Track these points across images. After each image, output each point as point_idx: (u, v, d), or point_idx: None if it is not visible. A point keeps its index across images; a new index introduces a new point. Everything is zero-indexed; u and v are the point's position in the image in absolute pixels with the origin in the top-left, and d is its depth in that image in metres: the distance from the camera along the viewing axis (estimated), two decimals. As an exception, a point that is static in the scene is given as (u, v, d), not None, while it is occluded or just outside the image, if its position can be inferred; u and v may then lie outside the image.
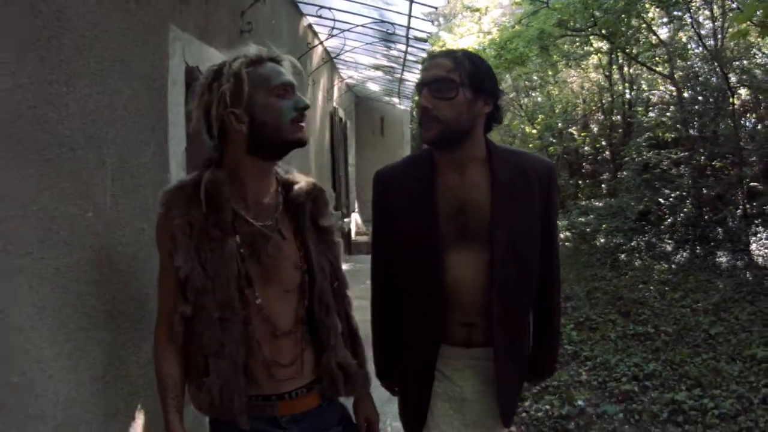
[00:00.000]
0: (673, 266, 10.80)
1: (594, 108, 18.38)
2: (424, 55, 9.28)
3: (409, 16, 6.85)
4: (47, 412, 1.95)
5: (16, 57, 1.85)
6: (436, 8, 7.73)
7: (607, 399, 5.84)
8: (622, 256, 11.63)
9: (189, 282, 1.92)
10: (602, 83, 17.29)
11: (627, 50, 13.54)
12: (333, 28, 7.13)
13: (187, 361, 1.99)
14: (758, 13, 6.94)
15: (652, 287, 9.72)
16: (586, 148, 18.28)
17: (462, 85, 2.16)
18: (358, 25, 7.38)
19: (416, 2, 6.11)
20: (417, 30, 7.74)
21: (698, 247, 11.36)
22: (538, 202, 2.31)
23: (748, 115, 13.24)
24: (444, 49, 3.04)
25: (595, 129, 18.27)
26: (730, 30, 11.34)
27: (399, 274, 2.44)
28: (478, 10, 18.05)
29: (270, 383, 2.02)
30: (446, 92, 2.16)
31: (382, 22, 7.30)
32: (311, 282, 2.07)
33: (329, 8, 6.64)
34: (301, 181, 2.14)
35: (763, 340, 6.94)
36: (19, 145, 1.87)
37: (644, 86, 16.45)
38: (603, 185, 16.91)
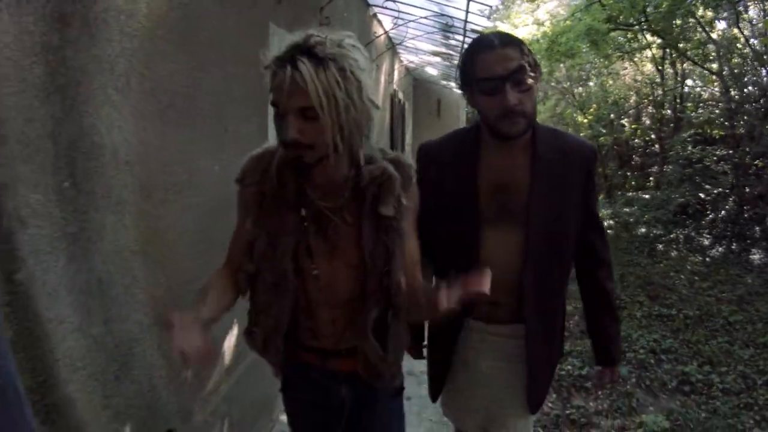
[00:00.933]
0: (707, 259, 11.16)
1: (647, 101, 18.44)
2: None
3: (467, 11, 7.42)
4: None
5: (176, 49, 2.66)
6: (491, 6, 8.19)
7: (623, 365, 6.34)
8: (660, 246, 11.97)
9: (255, 246, 2.02)
10: (654, 77, 17.38)
11: (679, 46, 13.72)
12: (397, 18, 7.81)
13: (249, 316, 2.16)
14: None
15: (683, 276, 10.09)
16: (636, 140, 18.27)
17: (533, 71, 2.14)
18: (419, 18, 8.03)
19: (473, 1, 6.67)
20: (474, 24, 8.34)
21: (734, 244, 11.68)
22: (578, 184, 2.30)
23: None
24: (487, 35, 2.22)
25: (647, 122, 18.32)
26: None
27: (435, 246, 2.40)
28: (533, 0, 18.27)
29: (322, 340, 2.14)
30: (526, 82, 2.11)
31: (442, 15, 7.92)
32: (363, 264, 2.05)
33: (394, 0, 7.29)
34: (373, 165, 2.05)
35: None
36: (176, 113, 2.69)
37: (697, 81, 16.55)
38: (651, 178, 17.01)
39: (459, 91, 17.62)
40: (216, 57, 3.11)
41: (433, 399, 2.62)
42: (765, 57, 11.71)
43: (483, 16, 8.25)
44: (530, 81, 2.09)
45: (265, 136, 3.94)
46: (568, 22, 14.37)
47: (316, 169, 1.91)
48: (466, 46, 10.36)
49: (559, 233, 2.27)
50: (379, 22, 8.77)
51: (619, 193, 16.63)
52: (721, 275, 10.03)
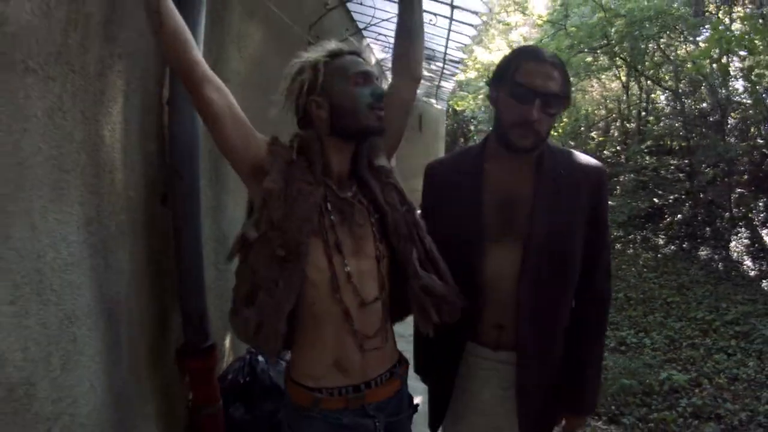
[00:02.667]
0: (658, 256, 12.49)
1: (614, 114, 19.80)
2: (457, 70, 11.31)
3: (446, 45, 8.86)
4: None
5: (255, 90, 3.81)
6: (466, 44, 9.50)
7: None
8: (618, 245, 13.26)
9: (266, 209, 1.91)
10: (621, 93, 18.68)
11: (637, 67, 15.07)
12: (386, 47, 9.28)
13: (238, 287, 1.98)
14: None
15: (634, 269, 11.48)
16: (605, 152, 18.97)
17: (563, 103, 2.18)
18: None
19: (452, 39, 8.09)
20: (450, 55, 9.78)
21: (686, 243, 12.94)
22: (585, 204, 2.23)
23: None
24: (543, 51, 2.22)
25: (615, 134, 19.51)
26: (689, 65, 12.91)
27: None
28: (508, 24, 19.70)
29: (358, 369, 2.05)
30: (555, 108, 2.15)
31: (425, 47, 9.38)
32: (383, 217, 2.08)
33: (384, 35, 8.73)
34: (376, 167, 2.19)
35: (708, 308, 8.79)
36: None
37: (659, 96, 17.90)
38: (618, 187, 18.32)
39: (439, 107, 18.96)
40: (256, 80, 4.13)
41: (433, 430, 2.53)
42: (716, 79, 12.78)
43: (459, 49, 9.66)
44: (560, 109, 2.18)
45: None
46: None
47: (336, 154, 2.09)
48: (445, 71, 11.83)
49: (562, 252, 2.21)
50: (371, 49, 10.22)
51: None
52: (669, 268, 11.37)
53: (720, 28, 8.79)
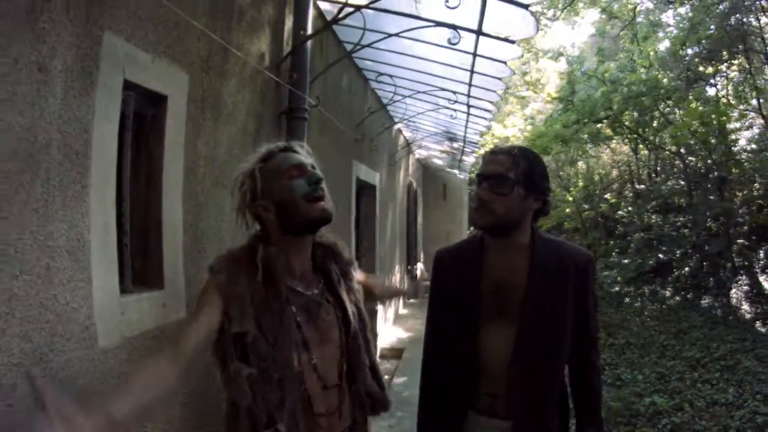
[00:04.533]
0: (663, 306, 13.64)
1: (626, 177, 21.04)
2: (476, 147, 12.97)
3: (465, 129, 10.40)
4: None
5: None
6: (485, 127, 10.87)
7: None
8: (627, 299, 14.56)
9: (252, 348, 1.94)
10: (631, 157, 20.09)
11: (640, 133, 16.52)
12: (415, 131, 10.93)
13: (249, 418, 1.93)
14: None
15: (638, 319, 12.64)
16: (620, 212, 19.94)
17: (517, 183, 2.24)
18: (433, 134, 11.18)
19: (470, 123, 9.62)
20: (470, 136, 11.35)
21: (690, 293, 14.07)
22: (573, 289, 2.36)
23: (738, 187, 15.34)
24: (504, 145, 3.42)
25: (629, 195, 20.56)
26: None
27: (441, 343, 2.54)
28: (524, 97, 21.44)
29: None
30: (502, 188, 2.25)
31: (448, 131, 10.98)
32: (347, 327, 2.19)
33: (413, 122, 10.34)
34: (317, 245, 2.26)
35: (700, 348, 9.96)
36: None
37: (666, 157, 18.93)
38: (632, 245, 18.63)
39: (462, 177, 20.17)
40: (329, 181, 5.61)
41: None
42: (712, 140, 13.98)
43: (476, 133, 11.25)
44: (509, 190, 2.24)
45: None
46: (542, 128, 17.15)
47: (296, 256, 2.14)
48: (466, 148, 13.38)
49: (551, 332, 2.32)
50: (401, 133, 11.82)
51: (603, 259, 18.47)
52: (671, 316, 12.50)
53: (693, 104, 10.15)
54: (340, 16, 3.94)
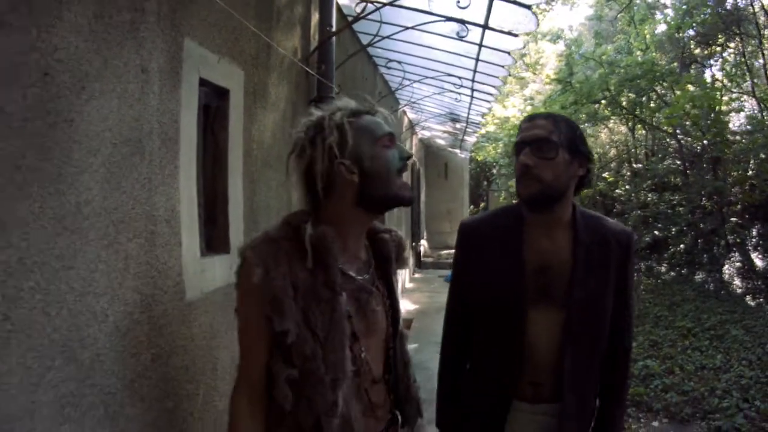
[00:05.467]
0: (658, 281, 14.20)
1: (623, 156, 21.39)
2: (478, 127, 13.42)
3: (469, 110, 10.83)
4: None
5: None
6: (486, 110, 11.32)
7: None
8: None
9: (296, 347, 1.75)
10: (628, 136, 20.49)
11: (637, 114, 16.82)
12: (419, 112, 11.36)
13: (294, 422, 1.78)
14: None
15: (633, 292, 13.02)
16: (618, 190, 20.04)
17: (561, 146, 2.14)
18: (437, 115, 11.60)
19: (473, 109, 10.07)
20: (472, 117, 11.79)
21: (685, 269, 14.63)
22: (615, 268, 2.25)
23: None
24: (537, 112, 3.06)
25: (627, 174, 20.70)
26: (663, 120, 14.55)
27: (478, 327, 2.41)
28: (523, 78, 21.88)
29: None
30: (547, 152, 2.14)
31: (451, 112, 11.41)
32: (395, 327, 2.02)
33: (419, 104, 10.76)
34: (384, 230, 2.09)
35: (692, 319, 10.47)
36: None
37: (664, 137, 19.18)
38: (629, 223, 19.68)
39: (463, 156, 20.61)
40: None
41: None
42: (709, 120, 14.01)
43: (479, 114, 11.68)
44: (554, 153, 2.13)
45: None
46: (541, 109, 17.46)
47: (356, 232, 1.94)
48: (468, 129, 13.82)
49: (597, 316, 2.23)
50: (405, 114, 12.26)
51: None
52: (665, 290, 13.05)
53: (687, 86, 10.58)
54: (363, 13, 4.38)
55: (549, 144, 2.15)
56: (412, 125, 13.50)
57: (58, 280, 1.70)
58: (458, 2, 4.33)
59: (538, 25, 5.85)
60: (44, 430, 1.62)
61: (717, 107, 12.83)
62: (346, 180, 1.83)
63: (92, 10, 1.87)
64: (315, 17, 4.72)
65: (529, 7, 4.70)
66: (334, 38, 4.65)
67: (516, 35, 5.42)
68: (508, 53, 6.35)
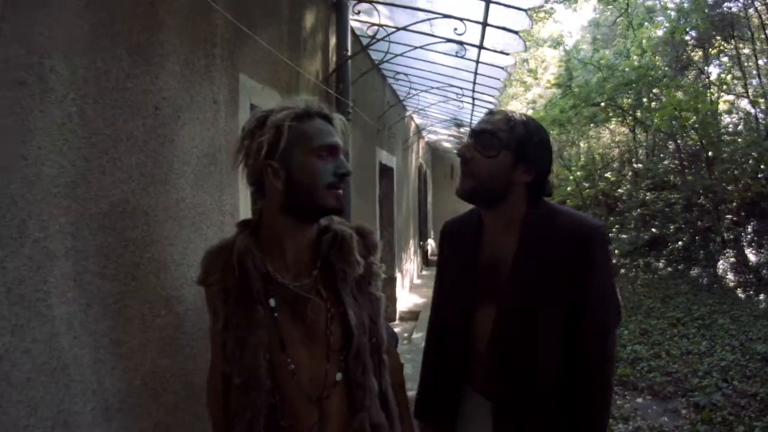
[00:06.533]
0: (655, 276, 14.76)
1: (625, 157, 22.05)
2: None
3: (471, 117, 11.54)
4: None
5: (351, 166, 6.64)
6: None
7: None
8: (622, 270, 15.64)
9: (224, 349, 1.85)
10: (629, 136, 21.14)
11: (635, 116, 17.54)
12: (425, 118, 12.12)
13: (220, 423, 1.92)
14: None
15: (630, 287, 13.72)
16: (620, 189, 20.99)
17: (505, 148, 2.05)
18: (441, 120, 12.37)
19: (476, 107, 10.77)
20: (476, 119, 12.49)
21: (681, 265, 15.14)
22: (569, 265, 2.02)
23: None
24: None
25: (628, 174, 21.54)
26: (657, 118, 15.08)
27: (443, 317, 2.45)
28: (525, 83, 22.61)
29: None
30: (488, 149, 2.06)
31: (455, 118, 12.15)
32: (348, 338, 1.88)
33: (425, 111, 11.50)
34: (330, 231, 1.94)
35: (683, 310, 11.11)
36: (357, 193, 6.71)
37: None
38: (631, 222, 19.51)
39: None
40: (357, 165, 6.89)
41: None
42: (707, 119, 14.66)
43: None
44: (494, 151, 2.05)
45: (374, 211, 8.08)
46: (541, 113, 18.27)
47: (287, 245, 1.87)
48: (471, 133, 14.50)
49: (534, 314, 2.07)
50: (413, 119, 13.00)
51: None
52: (661, 285, 13.64)
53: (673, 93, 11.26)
54: (375, 37, 5.14)
55: (492, 141, 2.08)
56: (419, 130, 14.25)
57: (165, 253, 2.45)
58: (455, 29, 5.09)
59: (526, 48, 6.54)
60: (152, 358, 2.34)
61: (707, 110, 13.46)
62: (272, 184, 1.81)
63: (182, 59, 2.63)
64: (332, 41, 5.45)
65: (516, 32, 5.45)
66: (349, 60, 5.38)
67: (507, 54, 6.19)
68: (502, 68, 7.12)
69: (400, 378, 2.24)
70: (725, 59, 17.98)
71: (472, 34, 5.63)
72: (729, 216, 15.41)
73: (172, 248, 2.49)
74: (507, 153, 2.08)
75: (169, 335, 2.45)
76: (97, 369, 2.01)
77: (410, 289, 12.70)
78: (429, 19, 5.42)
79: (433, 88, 8.75)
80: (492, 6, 5.24)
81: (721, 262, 14.39)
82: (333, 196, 1.82)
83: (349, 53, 5.36)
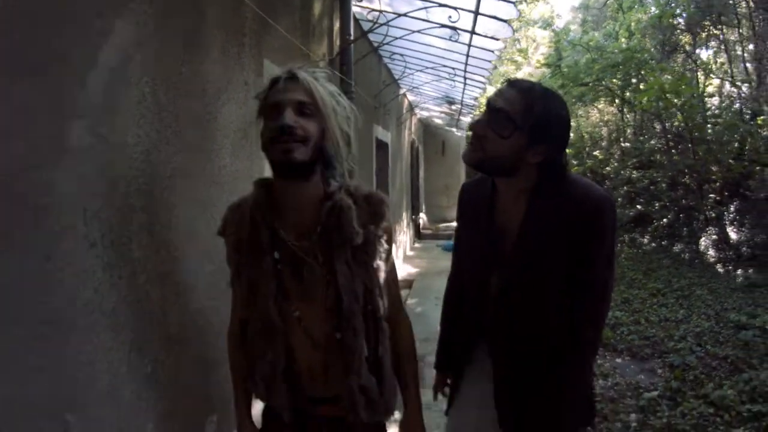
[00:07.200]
0: (639, 251, 15.26)
1: (613, 136, 22.46)
2: (473, 108, 14.59)
3: (462, 95, 11.97)
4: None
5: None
6: (478, 95, 12.52)
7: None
8: None
9: (239, 295, 2.03)
10: (617, 115, 21.53)
11: (623, 96, 18.03)
12: (418, 96, 12.57)
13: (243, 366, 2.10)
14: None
15: (606, 269, 14.13)
16: (608, 168, 21.25)
17: (519, 129, 2.01)
18: (434, 98, 12.82)
19: (468, 86, 11.19)
20: (466, 100, 12.95)
21: (665, 241, 15.71)
22: (572, 235, 2.05)
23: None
24: (527, 81, 2.19)
25: (618, 153, 21.82)
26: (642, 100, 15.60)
27: (461, 278, 2.53)
28: (515, 62, 23.01)
29: (309, 386, 2.04)
30: (502, 129, 2.02)
31: (447, 96, 12.58)
32: (339, 303, 1.96)
33: (418, 89, 11.95)
34: (332, 199, 1.97)
35: (663, 282, 11.61)
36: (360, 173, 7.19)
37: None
38: (619, 199, 19.72)
39: (459, 134, 21.40)
40: (359, 140, 7.37)
41: (446, 412, 2.62)
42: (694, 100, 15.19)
43: (472, 98, 12.81)
44: (507, 132, 2.02)
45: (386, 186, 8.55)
46: None
47: (292, 205, 1.95)
48: (463, 110, 14.96)
49: (535, 279, 2.14)
50: (406, 97, 13.44)
51: None
52: (644, 259, 14.13)
53: (658, 75, 11.71)
54: (377, 23, 5.62)
55: (507, 122, 2.02)
56: (411, 107, 14.69)
57: (209, 213, 2.91)
58: (450, 17, 5.57)
59: (513, 32, 7.00)
60: (201, 299, 2.79)
61: (691, 93, 13.86)
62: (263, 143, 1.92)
63: (220, 47, 3.10)
64: (336, 25, 5.92)
65: (506, 21, 5.94)
66: (352, 44, 5.85)
67: (497, 39, 6.67)
68: (492, 51, 7.62)
69: (409, 347, 2.27)
70: (713, 44, 18.40)
71: (465, 21, 6.10)
72: (712, 195, 15.81)
73: (214, 209, 2.92)
74: (521, 134, 2.03)
75: (215, 282, 2.80)
76: (162, 303, 2.44)
77: (404, 260, 13.25)
78: (425, 8, 5.88)
79: (427, 68, 9.22)
80: (483, -2, 5.75)
81: (703, 239, 14.83)
82: (277, 150, 1.84)
83: (352, 37, 5.81)
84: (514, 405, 2.25)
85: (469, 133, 2.17)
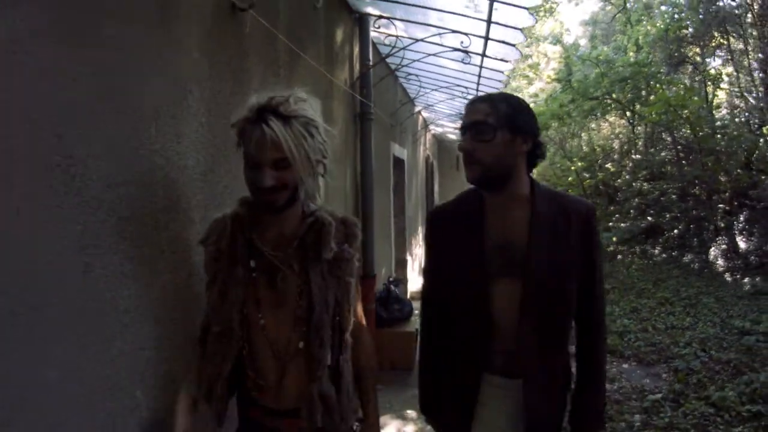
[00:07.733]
0: (650, 262, 15.43)
1: (624, 148, 22.50)
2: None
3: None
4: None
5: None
6: None
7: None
8: (619, 256, 16.40)
9: (208, 299, 2.09)
10: (628, 128, 21.61)
11: (632, 109, 18.24)
12: (432, 113, 12.98)
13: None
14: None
15: (625, 270, 14.42)
16: (620, 180, 21.17)
17: (499, 128, 2.17)
18: (448, 115, 13.23)
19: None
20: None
21: (675, 251, 15.82)
22: (578, 240, 2.27)
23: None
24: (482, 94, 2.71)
25: (629, 165, 21.58)
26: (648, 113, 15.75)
27: (449, 305, 2.45)
28: (527, 77, 23.34)
29: (266, 396, 2.13)
30: (485, 135, 2.17)
31: (461, 113, 12.88)
32: (310, 312, 2.06)
33: (433, 107, 12.36)
34: (313, 216, 2.13)
35: (671, 291, 11.82)
36: (378, 186, 7.54)
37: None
38: (631, 211, 19.83)
39: None
40: (376, 156, 7.48)
41: None
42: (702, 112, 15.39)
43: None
44: (491, 136, 2.16)
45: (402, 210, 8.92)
46: (542, 107, 18.88)
47: (271, 221, 2.08)
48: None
49: (558, 287, 2.26)
50: (420, 114, 13.81)
51: (602, 222, 19.37)
52: (654, 269, 14.33)
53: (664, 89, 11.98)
54: (395, 47, 6.04)
55: (486, 127, 2.18)
56: (426, 124, 15.07)
57: (228, 194, 3.27)
58: (462, 42, 6.01)
59: (521, 56, 7.43)
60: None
61: (699, 105, 14.05)
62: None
63: (260, 79, 3.47)
64: (356, 50, 6.34)
65: (513, 45, 6.37)
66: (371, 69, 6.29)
67: (507, 61, 7.11)
68: (502, 72, 8.04)
69: (372, 363, 2.43)
70: (720, 53, 18.62)
71: (476, 45, 6.53)
72: (722, 205, 15.90)
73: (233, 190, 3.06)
74: (502, 132, 2.19)
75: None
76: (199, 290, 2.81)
77: (419, 272, 13.42)
78: (439, 34, 6.31)
79: (441, 87, 9.60)
80: (492, 26, 6.18)
81: (713, 248, 14.94)
82: (263, 202, 2.00)
83: (371, 62, 6.24)
84: (545, 416, 2.36)
85: (459, 154, 2.33)
